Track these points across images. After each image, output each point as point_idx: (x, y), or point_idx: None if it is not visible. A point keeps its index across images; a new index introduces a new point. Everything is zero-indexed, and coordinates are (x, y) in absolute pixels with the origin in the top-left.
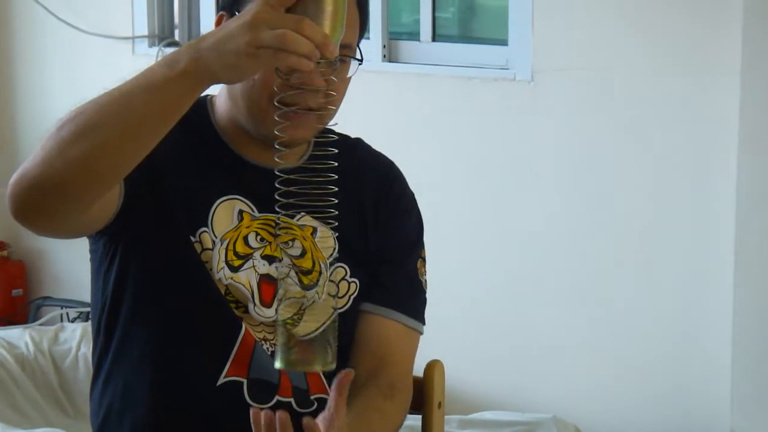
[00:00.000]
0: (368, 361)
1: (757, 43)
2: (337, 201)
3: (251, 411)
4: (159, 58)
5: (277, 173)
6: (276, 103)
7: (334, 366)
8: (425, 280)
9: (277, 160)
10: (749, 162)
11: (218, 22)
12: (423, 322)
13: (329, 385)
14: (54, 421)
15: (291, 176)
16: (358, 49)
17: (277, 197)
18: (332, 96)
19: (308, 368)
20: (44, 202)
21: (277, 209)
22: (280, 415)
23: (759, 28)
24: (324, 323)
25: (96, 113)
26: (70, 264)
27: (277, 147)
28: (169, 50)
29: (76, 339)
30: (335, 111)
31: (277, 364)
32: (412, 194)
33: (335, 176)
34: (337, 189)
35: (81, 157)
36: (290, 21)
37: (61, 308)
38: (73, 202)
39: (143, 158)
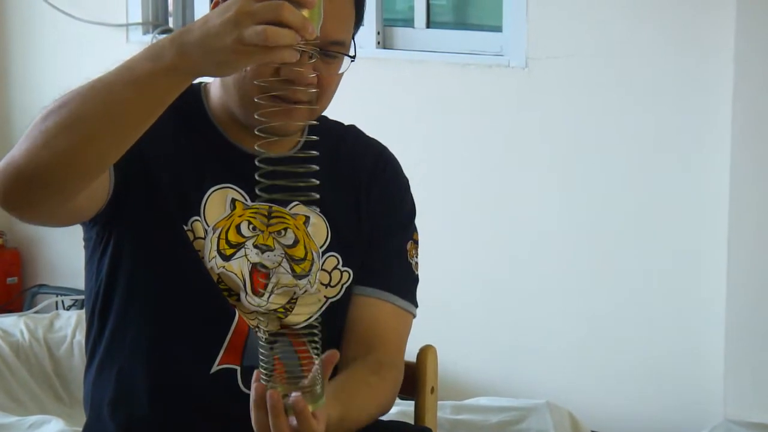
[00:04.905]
0: (357, 342)
1: (750, 25)
2: (325, 189)
3: (254, 386)
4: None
5: (257, 156)
6: (257, 99)
7: (324, 401)
8: (416, 263)
9: (257, 147)
10: (743, 146)
11: (215, 4)
12: (414, 303)
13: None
14: (49, 409)
15: (279, 166)
16: (352, 43)
17: (257, 187)
18: (317, 90)
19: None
20: (30, 192)
21: (260, 195)
22: (272, 393)
23: (752, 9)
24: (316, 312)
25: (80, 105)
26: (65, 252)
27: (264, 133)
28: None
29: (71, 326)
30: (326, 104)
31: None
32: (406, 179)
33: (317, 168)
34: (325, 177)
35: (66, 148)
36: (270, 9)
37: (57, 296)
38: (59, 192)
39: (128, 149)
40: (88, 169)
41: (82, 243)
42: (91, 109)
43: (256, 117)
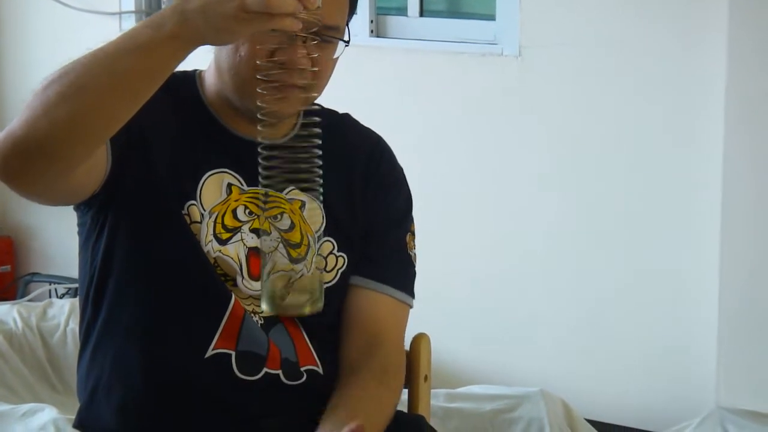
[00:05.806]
0: (360, 338)
1: (743, 17)
2: (321, 175)
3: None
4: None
5: (260, 140)
6: (260, 77)
7: (321, 306)
8: (414, 254)
9: (259, 128)
10: (735, 136)
11: None
12: (412, 295)
13: (318, 357)
14: (42, 397)
15: (275, 151)
16: (347, 29)
17: (261, 171)
18: (315, 70)
19: (298, 312)
20: (28, 162)
21: (261, 182)
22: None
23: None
24: (312, 295)
25: (82, 74)
26: (59, 240)
27: (261, 117)
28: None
29: (65, 315)
30: (321, 89)
31: (265, 308)
32: (402, 169)
33: (320, 151)
34: (321, 163)
35: (66, 117)
36: None
37: (50, 284)
38: (58, 163)
39: (126, 129)
40: (88, 138)
41: (76, 230)
42: (93, 78)
43: (259, 91)
